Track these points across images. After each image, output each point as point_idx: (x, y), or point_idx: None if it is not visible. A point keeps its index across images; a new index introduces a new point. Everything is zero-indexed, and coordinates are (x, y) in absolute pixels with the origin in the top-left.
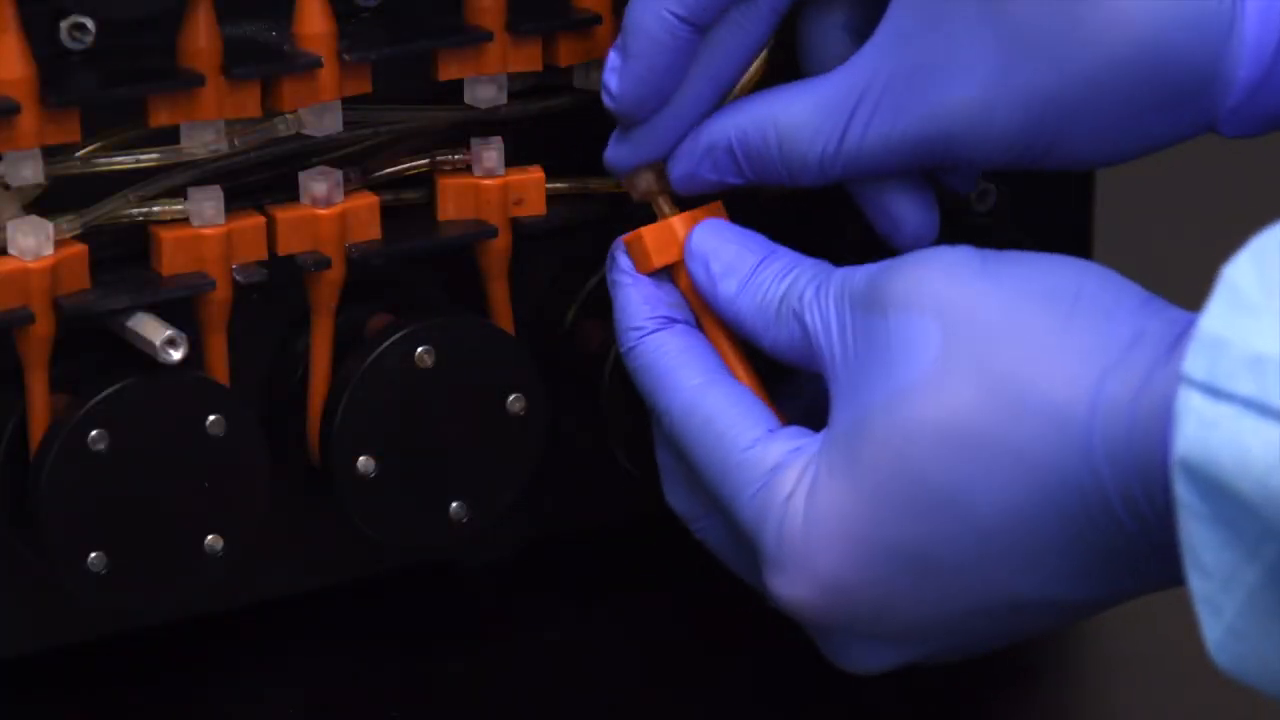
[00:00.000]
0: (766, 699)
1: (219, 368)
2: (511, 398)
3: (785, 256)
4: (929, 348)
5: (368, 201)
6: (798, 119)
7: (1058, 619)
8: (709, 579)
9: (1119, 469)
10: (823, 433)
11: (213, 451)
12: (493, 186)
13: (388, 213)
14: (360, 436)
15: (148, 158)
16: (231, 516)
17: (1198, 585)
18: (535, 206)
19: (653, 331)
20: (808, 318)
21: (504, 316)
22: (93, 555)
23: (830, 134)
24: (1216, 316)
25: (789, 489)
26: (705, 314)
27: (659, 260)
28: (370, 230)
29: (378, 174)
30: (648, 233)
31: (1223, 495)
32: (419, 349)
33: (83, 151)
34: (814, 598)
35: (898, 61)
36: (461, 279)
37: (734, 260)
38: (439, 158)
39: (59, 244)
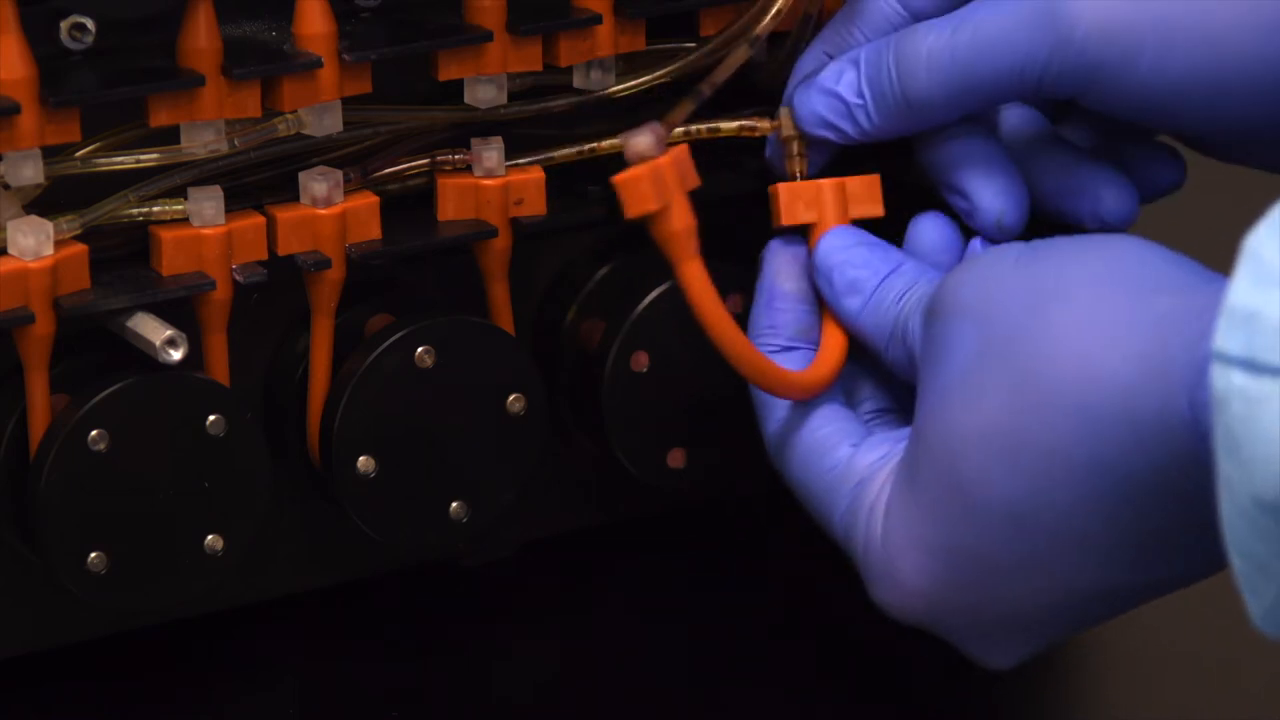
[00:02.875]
0: (767, 698)
1: (219, 368)
2: (511, 398)
3: (906, 274)
4: (964, 350)
5: (368, 201)
6: (926, 22)
7: (1132, 599)
8: (709, 579)
9: (1150, 453)
10: (905, 443)
11: (213, 451)
12: (493, 186)
13: (388, 213)
14: (360, 436)
15: (148, 158)
16: (231, 516)
17: (1238, 564)
18: (535, 206)
19: (769, 354)
20: (911, 335)
21: (504, 316)
22: (93, 555)
23: (948, 21)
24: (1244, 290)
25: (870, 501)
26: None
27: (788, 219)
28: (370, 230)
29: (378, 174)
30: (784, 189)
31: (1271, 487)
32: (419, 349)
33: (83, 151)
34: (906, 604)
35: None
36: (461, 279)
37: (858, 278)
38: (439, 158)
39: (59, 244)
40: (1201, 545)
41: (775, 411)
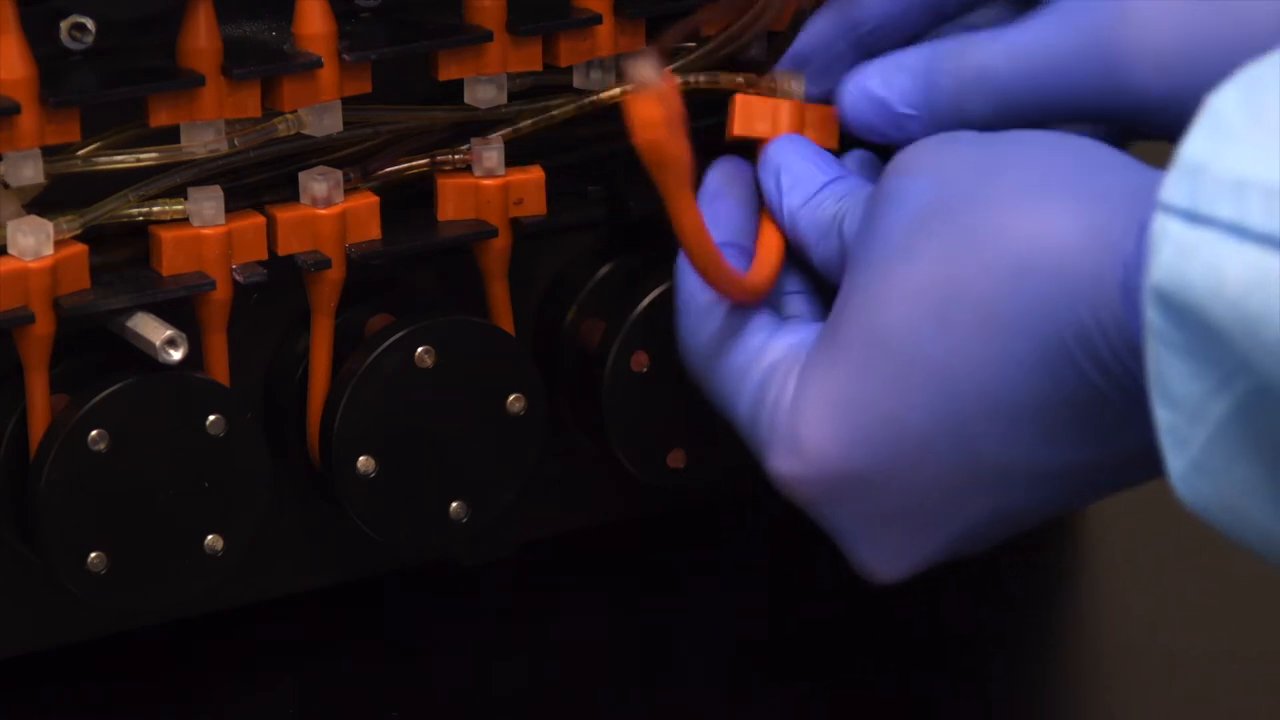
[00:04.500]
0: (767, 697)
1: (219, 368)
2: (511, 398)
3: (850, 181)
4: (914, 204)
5: (368, 201)
6: (980, 35)
7: (1052, 494)
8: (709, 579)
9: (1080, 316)
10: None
11: (213, 451)
12: (493, 186)
13: (388, 213)
14: (360, 436)
15: (148, 158)
16: (231, 516)
17: (1164, 416)
18: (535, 206)
19: None
20: (846, 229)
21: (504, 316)
22: (93, 555)
23: (1004, 38)
24: (1198, 143)
25: (782, 375)
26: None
27: (742, 129)
28: (370, 230)
29: (378, 174)
30: (742, 100)
31: (1196, 323)
32: (419, 349)
33: (83, 151)
34: (803, 472)
35: None
36: (461, 279)
37: (803, 176)
38: (439, 158)
39: (59, 244)
40: (1116, 433)
41: (695, 314)
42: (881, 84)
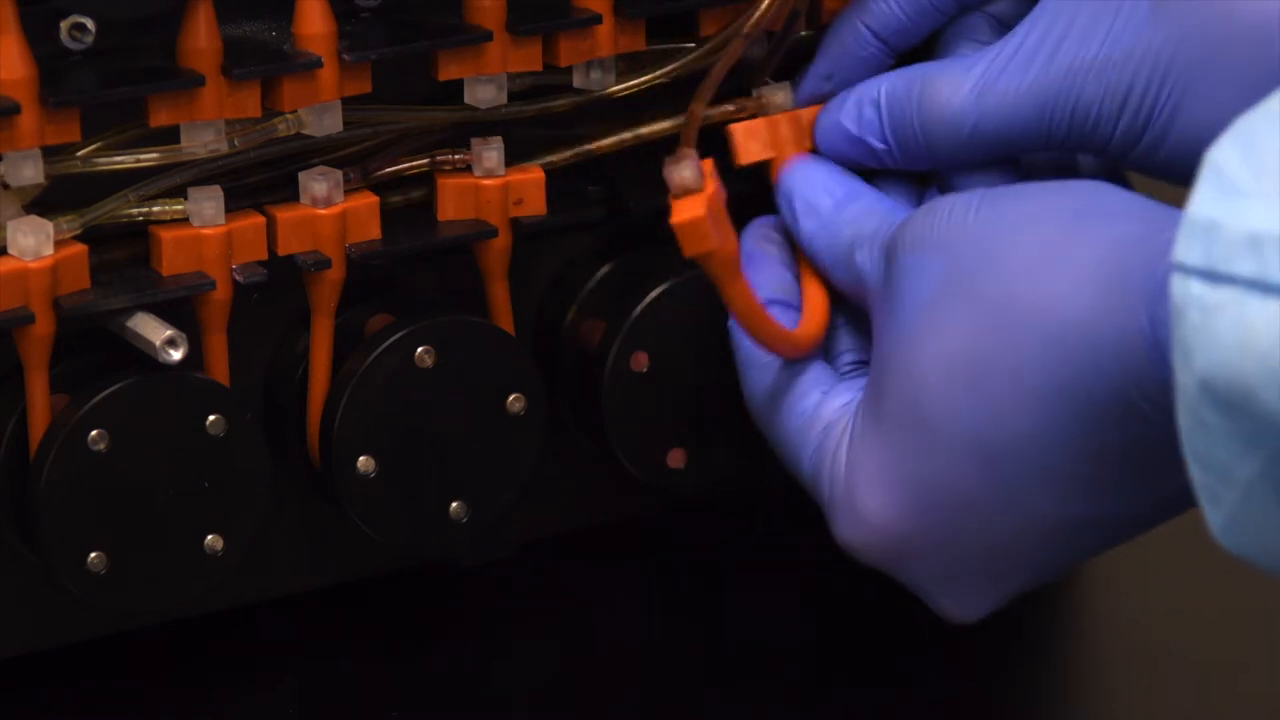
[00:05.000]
0: (767, 697)
1: (219, 368)
2: (511, 398)
3: (864, 200)
4: (930, 281)
5: (368, 201)
6: (944, 72)
7: (1103, 535)
8: (708, 579)
9: (1110, 374)
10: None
11: (213, 451)
12: (493, 186)
13: (387, 213)
14: (360, 436)
15: (148, 158)
16: (231, 516)
17: (1197, 474)
18: (535, 206)
19: None
20: (860, 263)
21: (504, 316)
22: (93, 555)
23: (969, 83)
24: (1205, 201)
25: (835, 442)
26: None
27: (745, 158)
28: (370, 230)
29: (378, 174)
30: (739, 129)
31: (1222, 383)
32: (419, 349)
33: (83, 151)
34: (867, 540)
35: (1044, 27)
36: (461, 279)
37: (815, 202)
38: (439, 158)
39: (59, 244)
40: (1167, 473)
41: (756, 370)
42: (854, 119)
